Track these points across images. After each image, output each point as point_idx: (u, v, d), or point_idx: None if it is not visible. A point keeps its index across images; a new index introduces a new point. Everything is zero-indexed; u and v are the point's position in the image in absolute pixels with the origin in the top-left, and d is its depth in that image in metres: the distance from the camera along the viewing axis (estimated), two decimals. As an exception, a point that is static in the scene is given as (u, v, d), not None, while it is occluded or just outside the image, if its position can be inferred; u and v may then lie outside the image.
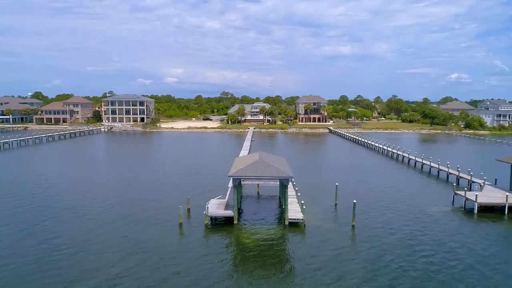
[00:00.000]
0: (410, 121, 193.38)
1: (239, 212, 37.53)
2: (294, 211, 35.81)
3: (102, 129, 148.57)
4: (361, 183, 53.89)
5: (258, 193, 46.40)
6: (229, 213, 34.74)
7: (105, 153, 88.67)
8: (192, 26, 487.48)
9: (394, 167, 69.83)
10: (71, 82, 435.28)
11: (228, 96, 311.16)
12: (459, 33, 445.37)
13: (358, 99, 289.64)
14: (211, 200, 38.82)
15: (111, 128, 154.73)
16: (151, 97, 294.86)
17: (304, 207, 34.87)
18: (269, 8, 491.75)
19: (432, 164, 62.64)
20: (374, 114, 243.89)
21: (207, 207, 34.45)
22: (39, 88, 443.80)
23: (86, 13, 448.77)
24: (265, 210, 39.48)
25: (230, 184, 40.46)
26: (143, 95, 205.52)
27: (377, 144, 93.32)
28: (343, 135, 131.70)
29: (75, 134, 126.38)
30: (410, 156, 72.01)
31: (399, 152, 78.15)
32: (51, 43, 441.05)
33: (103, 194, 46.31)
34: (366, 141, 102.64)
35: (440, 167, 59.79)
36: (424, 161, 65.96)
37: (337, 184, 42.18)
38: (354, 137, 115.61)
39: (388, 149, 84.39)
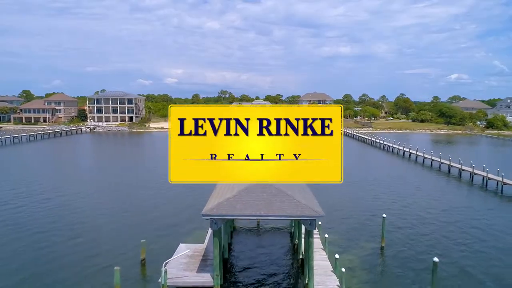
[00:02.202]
0: (422, 121, 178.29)
1: (226, 270, 21.95)
2: (323, 275, 20.17)
3: (84, 130, 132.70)
4: (402, 203, 38.28)
5: (258, 225, 30.83)
6: (204, 279, 19.10)
7: (66, 159, 72.76)
8: (191, 27, 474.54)
9: (432, 177, 54.27)
10: (70, 83, 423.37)
11: (227, 96, 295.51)
12: (459, 33, 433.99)
13: (363, 97, 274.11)
14: (180, 247, 23.23)
15: (94, 128, 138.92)
16: (148, 96, 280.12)
17: (343, 270, 19.10)
18: (269, 8, 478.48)
19: (491, 176, 46.94)
20: (381, 114, 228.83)
21: (165, 270, 18.65)
22: (39, 88, 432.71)
23: (86, 13, 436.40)
24: (271, 265, 23.77)
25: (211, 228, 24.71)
26: (139, 95, 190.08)
27: (400, 148, 77.62)
28: (353, 136, 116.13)
29: (48, 135, 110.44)
30: (453, 163, 56.38)
31: (434, 158, 62.46)
32: (50, 44, 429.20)
33: (16, 225, 30.51)
34: (385, 143, 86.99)
35: (505, 180, 44.11)
36: (475, 171, 50.32)
37: (384, 215, 26.46)
38: (369, 138, 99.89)
39: (418, 153, 68.72)
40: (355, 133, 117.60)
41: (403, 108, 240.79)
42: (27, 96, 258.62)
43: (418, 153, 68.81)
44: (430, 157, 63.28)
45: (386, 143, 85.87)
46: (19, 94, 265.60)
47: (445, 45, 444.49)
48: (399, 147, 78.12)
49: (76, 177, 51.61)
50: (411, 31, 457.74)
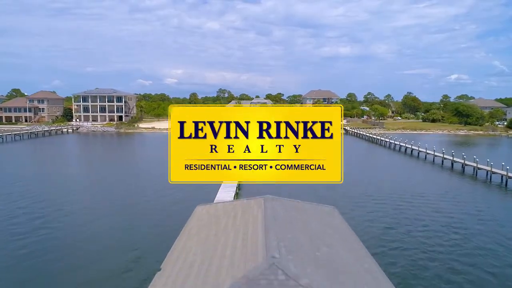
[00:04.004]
0: (433, 120, 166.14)
1: None
2: None
3: (65, 130, 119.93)
4: (465, 235, 25.57)
5: None
6: None
7: (15, 168, 60.22)
8: (191, 27, 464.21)
9: (490, 192, 41.60)
10: (70, 83, 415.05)
11: (225, 95, 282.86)
12: (459, 33, 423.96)
13: (368, 96, 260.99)
14: None
15: (77, 129, 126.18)
16: (145, 96, 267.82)
17: None
18: (269, 8, 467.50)
19: None
20: (388, 113, 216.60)
21: None
22: (38, 89, 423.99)
23: (85, 14, 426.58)
24: None
25: None
26: (135, 94, 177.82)
27: (429, 152, 64.79)
28: (363, 137, 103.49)
29: (21, 136, 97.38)
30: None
31: (480, 166, 49.62)
32: (50, 44, 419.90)
33: None
34: (406, 146, 74.26)
35: None
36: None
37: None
38: (386, 140, 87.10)
39: (454, 159, 55.93)
40: (367, 134, 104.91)
41: (411, 107, 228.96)
42: (17, 95, 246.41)
43: (455, 159, 55.99)
44: (475, 164, 50.46)
45: (409, 146, 73.02)
46: (8, 92, 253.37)
47: (445, 45, 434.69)
48: (427, 151, 65.22)
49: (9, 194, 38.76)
50: (411, 32, 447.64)
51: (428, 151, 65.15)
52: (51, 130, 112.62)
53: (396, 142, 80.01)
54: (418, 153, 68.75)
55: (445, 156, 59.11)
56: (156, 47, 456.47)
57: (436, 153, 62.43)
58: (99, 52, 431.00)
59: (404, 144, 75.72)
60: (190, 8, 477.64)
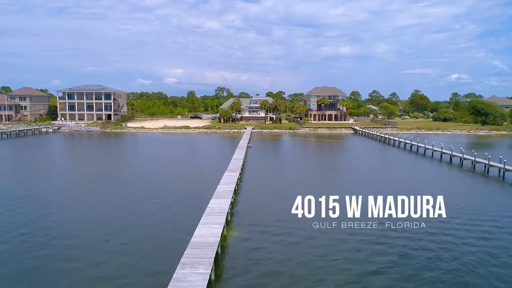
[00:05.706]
0: (444, 120, 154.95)
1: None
2: None
3: (45, 129, 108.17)
4: None
5: None
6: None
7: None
8: (191, 27, 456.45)
9: None
10: (70, 83, 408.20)
11: (224, 94, 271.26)
12: (459, 33, 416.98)
13: (374, 94, 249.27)
14: None
15: (58, 128, 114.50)
16: (142, 94, 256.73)
17: None
18: (269, 8, 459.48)
19: None
20: (397, 112, 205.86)
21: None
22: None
23: (85, 13, 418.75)
24: None
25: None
26: (132, 93, 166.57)
27: (467, 157, 53.38)
28: (375, 137, 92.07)
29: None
30: None
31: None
32: (50, 44, 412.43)
33: None
34: (435, 149, 62.85)
35: None
36: None
37: None
38: (405, 141, 75.54)
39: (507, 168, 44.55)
40: (379, 134, 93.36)
41: (419, 105, 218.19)
42: (5, 92, 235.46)
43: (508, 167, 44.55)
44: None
45: (438, 150, 61.54)
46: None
47: (445, 45, 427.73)
48: (464, 157, 53.78)
49: None
50: (411, 31, 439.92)
51: (462, 155, 53.58)
52: (27, 130, 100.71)
53: (420, 145, 68.26)
54: (451, 158, 57.28)
55: (490, 163, 47.62)
56: (156, 46, 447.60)
57: (476, 159, 50.84)
58: (99, 51, 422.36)
59: (435, 148, 63.93)
60: (190, 7, 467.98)
